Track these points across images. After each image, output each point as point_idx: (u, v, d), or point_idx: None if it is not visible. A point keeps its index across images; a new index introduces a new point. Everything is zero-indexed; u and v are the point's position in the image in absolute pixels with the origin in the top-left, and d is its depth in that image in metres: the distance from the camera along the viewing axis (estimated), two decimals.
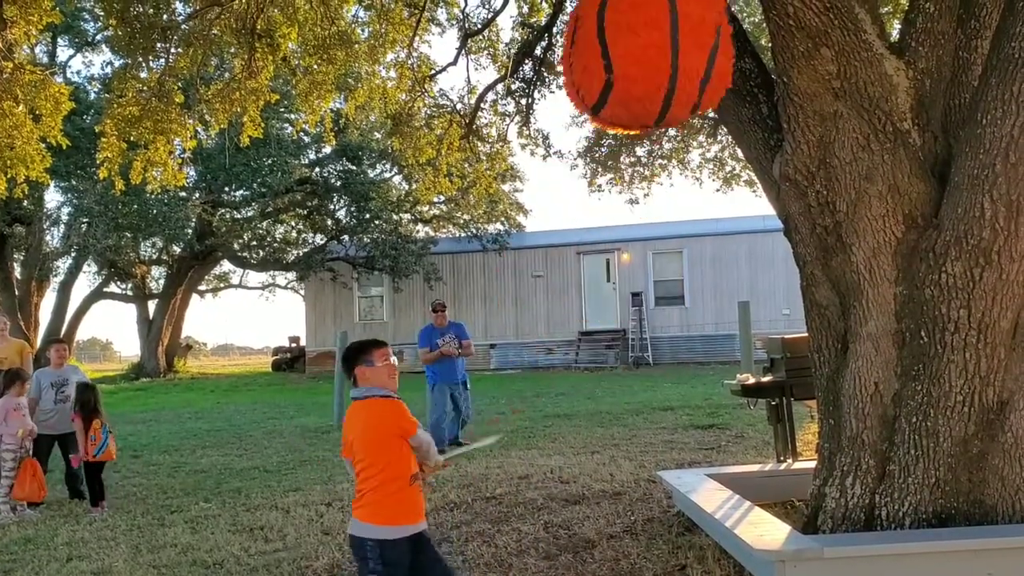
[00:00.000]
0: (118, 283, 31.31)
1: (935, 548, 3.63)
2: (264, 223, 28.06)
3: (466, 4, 11.51)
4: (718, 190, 19.70)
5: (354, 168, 26.03)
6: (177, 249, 27.13)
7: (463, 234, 26.81)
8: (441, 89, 17.10)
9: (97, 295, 30.94)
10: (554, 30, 11.31)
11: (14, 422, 6.90)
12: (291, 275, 33.33)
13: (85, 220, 23.85)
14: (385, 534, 3.20)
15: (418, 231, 27.87)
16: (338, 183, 26.30)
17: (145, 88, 9.24)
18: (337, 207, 27.36)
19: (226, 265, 34.43)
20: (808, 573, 3.58)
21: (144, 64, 9.48)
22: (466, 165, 12.87)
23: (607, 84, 3.43)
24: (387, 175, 27.85)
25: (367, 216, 25.07)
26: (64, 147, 9.85)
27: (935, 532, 3.81)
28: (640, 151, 18.75)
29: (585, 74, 3.54)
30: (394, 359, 3.46)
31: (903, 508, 3.93)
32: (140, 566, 5.01)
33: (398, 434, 3.27)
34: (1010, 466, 3.87)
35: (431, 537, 3.43)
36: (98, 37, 24.26)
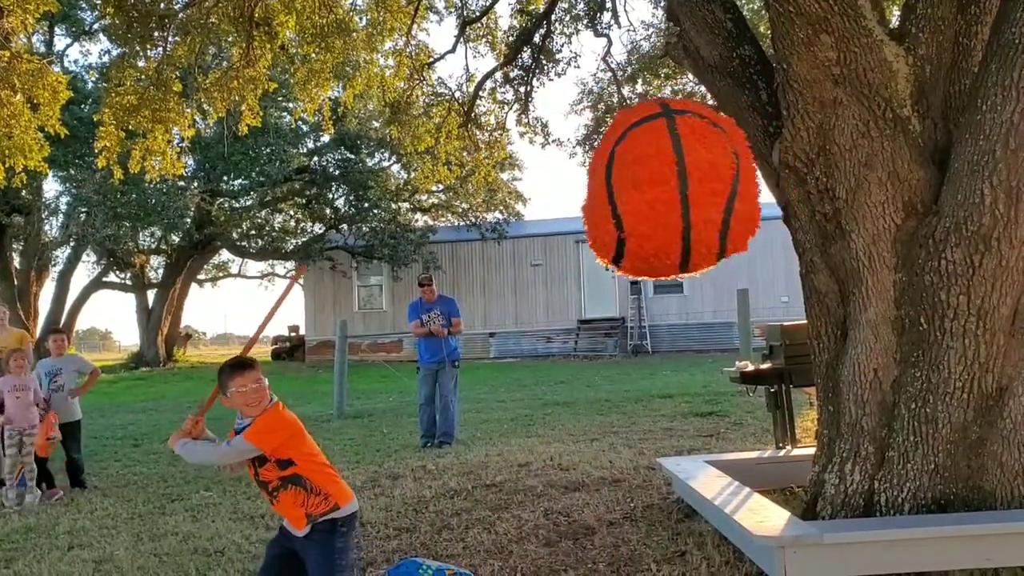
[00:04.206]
0: (117, 273, 31.30)
1: (934, 534, 3.64)
2: (263, 212, 28.03)
3: None
4: None
5: (352, 157, 25.98)
6: (176, 238, 27.11)
7: (462, 223, 26.80)
8: (439, 77, 17.06)
9: (96, 285, 30.92)
10: (552, 17, 11.27)
11: (10, 407, 6.91)
12: (290, 264, 33.33)
13: (84, 210, 23.82)
14: None
15: (417, 220, 27.87)
16: (337, 172, 26.26)
17: (143, 77, 9.22)
18: (336, 196, 27.33)
19: (225, 254, 34.49)
20: (807, 559, 3.59)
21: (142, 53, 9.46)
22: (465, 153, 12.85)
23: (619, 241, 3.43)
24: (385, 164, 27.81)
25: (366, 205, 25.04)
26: (62, 136, 9.83)
27: (934, 518, 3.82)
28: None
29: (598, 230, 3.55)
30: (253, 384, 3.26)
31: (902, 494, 3.94)
32: (141, 554, 5.02)
33: None
34: (1009, 452, 3.88)
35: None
36: (95, 26, 24.16)
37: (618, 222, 3.40)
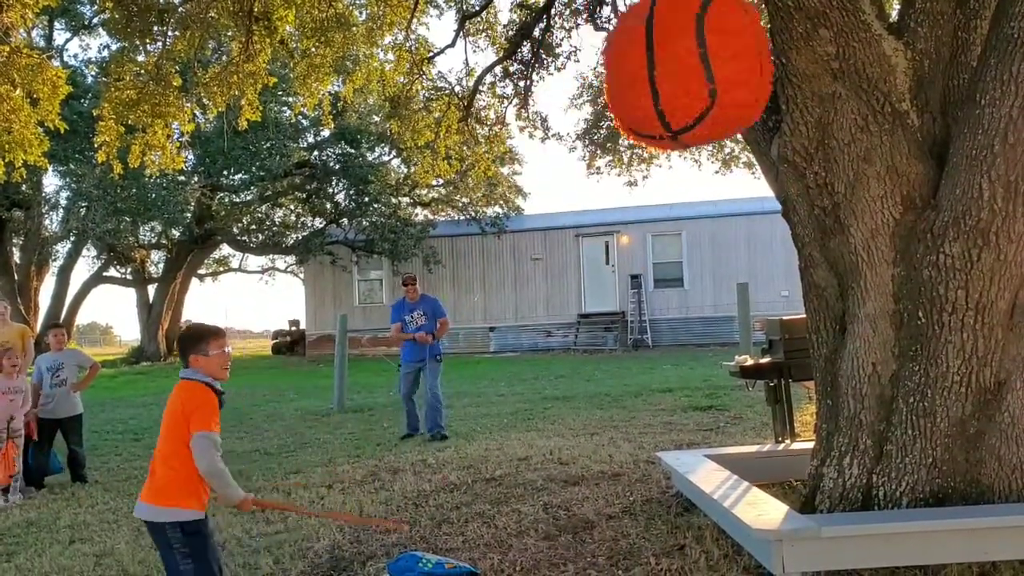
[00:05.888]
0: (117, 267, 31.30)
1: (932, 527, 3.65)
2: (263, 207, 28.01)
3: None
4: (717, 172, 19.70)
5: (353, 151, 25.96)
6: (176, 233, 27.10)
7: (462, 217, 26.79)
8: (439, 71, 17.01)
9: (97, 279, 30.93)
10: (552, 11, 11.26)
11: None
12: (290, 259, 33.35)
13: (84, 204, 23.82)
14: (190, 516, 3.20)
15: (417, 214, 27.84)
16: (337, 166, 26.24)
17: (143, 71, 9.23)
18: (336, 190, 27.31)
19: (225, 249, 34.46)
20: (806, 552, 3.60)
21: (141, 47, 9.47)
22: (464, 148, 12.87)
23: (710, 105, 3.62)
24: (386, 158, 27.78)
25: (366, 199, 25.03)
26: (62, 131, 9.85)
27: (932, 512, 3.83)
28: None
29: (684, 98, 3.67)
30: (229, 349, 3.45)
31: (900, 488, 3.96)
32: (142, 548, 5.04)
33: (186, 420, 3.25)
34: (1007, 446, 3.89)
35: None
36: (95, 20, 24.13)
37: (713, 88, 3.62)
